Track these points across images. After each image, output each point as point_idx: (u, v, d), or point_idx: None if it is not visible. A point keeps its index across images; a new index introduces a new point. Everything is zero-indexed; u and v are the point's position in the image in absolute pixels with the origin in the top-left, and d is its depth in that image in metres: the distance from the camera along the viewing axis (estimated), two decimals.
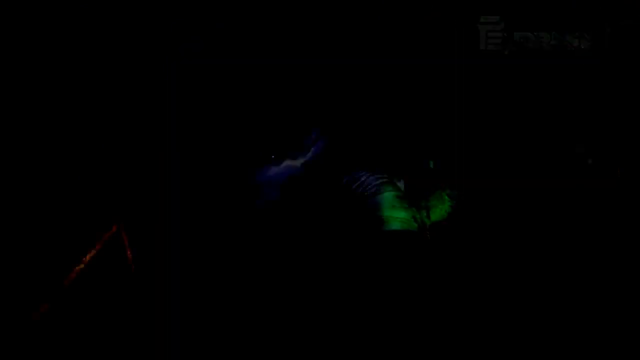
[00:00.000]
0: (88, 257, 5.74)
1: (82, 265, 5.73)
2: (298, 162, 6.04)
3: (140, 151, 6.11)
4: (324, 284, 5.87)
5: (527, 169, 6.12)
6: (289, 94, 6.36)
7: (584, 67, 6.15)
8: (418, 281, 5.64)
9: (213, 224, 6.07)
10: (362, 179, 6.04)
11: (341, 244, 5.93)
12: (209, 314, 5.79)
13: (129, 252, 5.83)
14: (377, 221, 5.81)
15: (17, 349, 5.48)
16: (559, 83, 6.16)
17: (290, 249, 6.03)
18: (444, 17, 6.10)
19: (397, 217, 5.82)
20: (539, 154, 6.14)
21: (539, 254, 5.77)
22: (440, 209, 5.97)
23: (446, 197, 5.97)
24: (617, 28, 6.09)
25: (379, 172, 6.08)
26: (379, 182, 6.00)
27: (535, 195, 6.02)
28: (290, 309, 5.74)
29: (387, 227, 5.79)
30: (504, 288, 5.68)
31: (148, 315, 5.79)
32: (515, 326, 5.50)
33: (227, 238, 6.05)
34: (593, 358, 5.29)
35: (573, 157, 6.04)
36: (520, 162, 6.19)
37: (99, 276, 5.81)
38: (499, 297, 5.65)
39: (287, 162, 6.01)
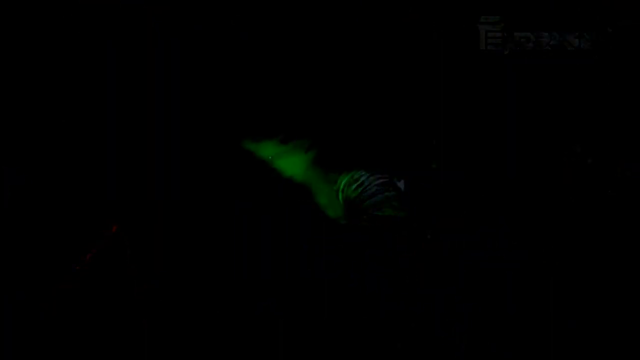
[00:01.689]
0: (88, 256, 5.75)
1: (81, 266, 5.73)
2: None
3: (135, 150, 6.11)
4: (322, 283, 5.87)
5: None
6: (287, 94, 6.36)
7: (584, 67, 6.16)
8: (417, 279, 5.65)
9: (209, 223, 6.06)
10: (362, 179, 6.04)
11: (339, 244, 5.94)
12: (205, 314, 5.79)
13: (128, 252, 5.82)
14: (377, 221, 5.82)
15: (16, 348, 5.49)
16: (559, 83, 6.17)
17: (290, 249, 6.03)
18: (424, 19, 6.10)
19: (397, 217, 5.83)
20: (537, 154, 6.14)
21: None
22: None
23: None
24: (617, 28, 6.09)
25: (379, 172, 6.07)
26: (379, 182, 6.00)
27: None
28: (290, 309, 5.74)
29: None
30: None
31: (146, 316, 5.79)
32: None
33: (222, 238, 6.05)
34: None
35: (572, 157, 6.05)
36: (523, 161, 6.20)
37: (98, 276, 5.81)
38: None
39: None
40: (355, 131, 6.27)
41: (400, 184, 6.09)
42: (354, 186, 6.00)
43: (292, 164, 6.15)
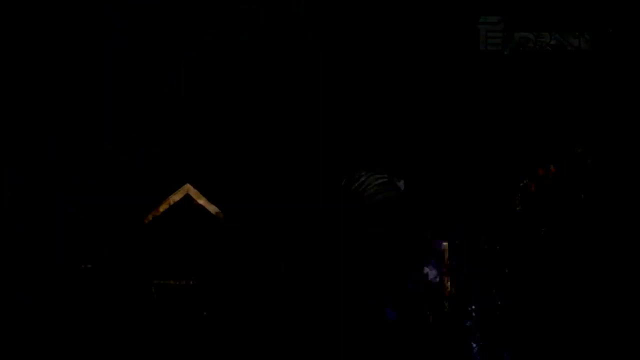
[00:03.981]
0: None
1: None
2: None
3: None
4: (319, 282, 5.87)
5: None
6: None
7: (584, 67, 6.15)
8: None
9: None
10: (362, 179, 6.03)
11: (338, 244, 5.93)
12: None
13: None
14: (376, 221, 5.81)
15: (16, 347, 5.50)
16: (559, 83, 6.16)
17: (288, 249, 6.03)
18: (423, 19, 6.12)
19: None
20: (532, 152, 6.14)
21: None
22: None
23: None
24: (617, 28, 6.08)
25: (379, 172, 6.07)
26: (379, 182, 5.99)
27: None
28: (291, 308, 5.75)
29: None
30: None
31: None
32: None
33: None
34: None
35: (573, 157, 6.03)
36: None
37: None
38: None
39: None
40: (354, 132, 6.28)
41: (400, 184, 6.08)
42: (354, 186, 6.00)
43: None
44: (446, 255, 5.86)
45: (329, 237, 5.89)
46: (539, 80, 6.18)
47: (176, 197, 6.10)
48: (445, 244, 5.87)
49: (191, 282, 5.93)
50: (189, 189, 6.11)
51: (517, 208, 5.98)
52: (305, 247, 5.93)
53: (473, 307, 5.70)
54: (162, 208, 6.08)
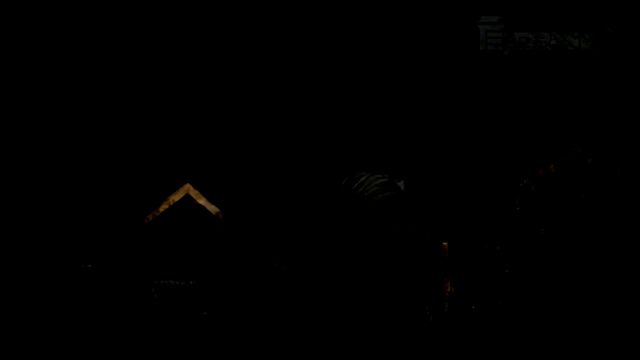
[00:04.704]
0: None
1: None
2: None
3: None
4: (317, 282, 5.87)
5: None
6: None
7: (583, 67, 6.15)
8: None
9: None
10: (362, 179, 6.03)
11: (338, 244, 5.93)
12: None
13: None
14: (376, 221, 5.81)
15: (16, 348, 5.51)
16: (559, 83, 6.16)
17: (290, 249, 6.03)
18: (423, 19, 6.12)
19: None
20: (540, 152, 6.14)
21: None
22: None
23: None
24: (617, 28, 6.09)
25: (379, 172, 6.07)
26: (379, 182, 5.99)
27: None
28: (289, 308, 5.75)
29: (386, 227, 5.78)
30: None
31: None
32: None
33: None
34: None
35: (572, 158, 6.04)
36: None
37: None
38: None
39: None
40: (354, 131, 6.29)
41: (400, 184, 6.09)
42: (354, 186, 6.00)
43: None
44: (446, 255, 5.87)
45: (329, 237, 5.89)
46: (539, 80, 6.19)
47: (176, 197, 6.12)
48: (445, 244, 5.87)
49: (191, 282, 5.94)
50: (189, 189, 6.13)
51: (517, 208, 5.99)
52: (304, 246, 5.94)
53: (473, 307, 5.71)
54: (162, 208, 6.10)
